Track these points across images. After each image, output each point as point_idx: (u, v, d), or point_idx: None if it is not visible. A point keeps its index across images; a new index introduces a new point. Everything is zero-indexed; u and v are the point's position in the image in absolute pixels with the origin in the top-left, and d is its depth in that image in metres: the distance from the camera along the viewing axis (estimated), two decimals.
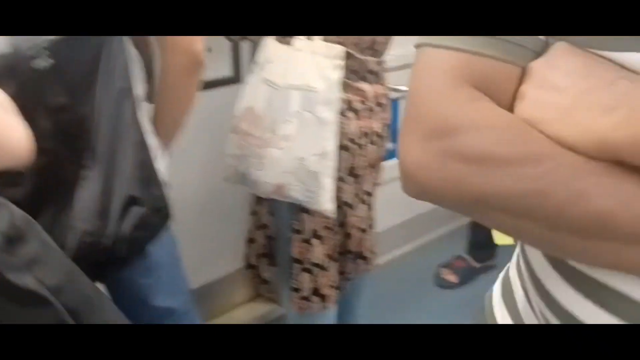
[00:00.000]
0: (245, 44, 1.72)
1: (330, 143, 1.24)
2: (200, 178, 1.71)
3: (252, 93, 1.28)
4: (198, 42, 1.01)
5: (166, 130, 1.07)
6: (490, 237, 2.18)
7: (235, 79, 1.70)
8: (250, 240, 1.54)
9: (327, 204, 1.27)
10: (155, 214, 0.92)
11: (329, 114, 1.23)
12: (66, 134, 0.83)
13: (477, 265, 2.20)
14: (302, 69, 1.22)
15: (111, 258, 0.85)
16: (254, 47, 1.47)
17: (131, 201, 0.87)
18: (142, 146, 0.90)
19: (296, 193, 1.26)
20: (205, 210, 1.75)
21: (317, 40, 1.23)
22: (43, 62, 0.77)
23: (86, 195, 0.84)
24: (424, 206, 2.34)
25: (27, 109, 0.79)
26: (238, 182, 1.37)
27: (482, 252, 2.20)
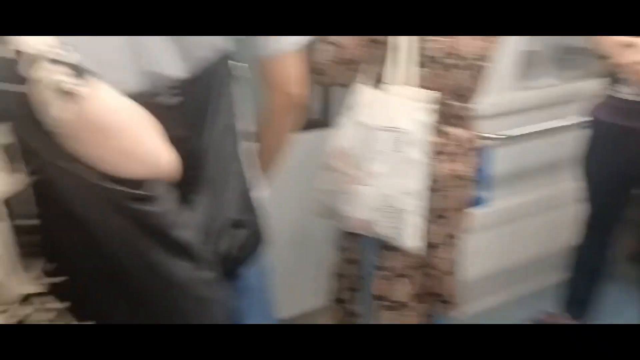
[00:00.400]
0: (335, 90, 1.83)
1: (417, 182, 1.29)
2: (292, 213, 1.80)
3: (343, 133, 1.37)
4: (301, 85, 1.12)
5: (266, 164, 1.18)
6: (588, 294, 2.08)
7: (324, 122, 1.81)
8: (339, 275, 1.59)
9: (411, 241, 1.31)
10: (252, 238, 1.01)
11: (418, 155, 1.29)
12: (182, 164, 0.95)
13: (572, 321, 2.10)
14: (393, 112, 1.30)
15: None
16: (344, 93, 1.57)
17: (233, 224, 0.97)
18: (243, 176, 1.01)
19: (382, 229, 1.32)
20: (297, 244, 1.84)
21: (409, 86, 1.30)
22: (170, 100, 0.91)
23: (195, 217, 0.95)
24: (515, 258, 2.29)
25: None
26: (328, 217, 1.44)
27: (579, 309, 2.10)
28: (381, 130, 1.31)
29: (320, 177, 1.44)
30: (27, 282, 0.71)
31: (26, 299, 0.71)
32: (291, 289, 1.79)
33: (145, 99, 0.90)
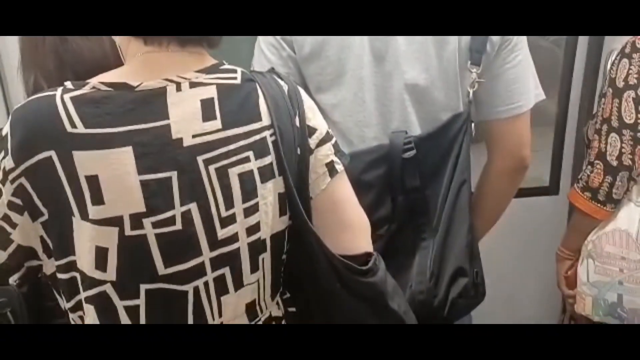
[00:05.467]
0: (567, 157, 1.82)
1: None
2: (506, 274, 1.81)
3: (622, 216, 1.31)
4: (527, 148, 1.18)
5: (481, 222, 1.25)
6: None
7: (552, 189, 1.80)
8: None
9: None
10: (475, 289, 1.09)
11: None
12: (414, 210, 1.08)
13: None
14: None
15: (433, 317, 1.04)
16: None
17: (459, 272, 1.06)
18: (472, 229, 1.10)
19: None
20: (503, 304, 1.83)
21: None
22: (409, 153, 1.06)
23: (423, 261, 1.06)
24: None
25: (391, 188, 1.08)
26: (602, 313, 1.34)
27: None
28: None
29: (583, 267, 1.36)
30: (272, 305, 0.86)
31: (269, 319, 0.85)
32: None
33: (385, 152, 1.07)
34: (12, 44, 0.92)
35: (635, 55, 1.26)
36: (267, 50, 1.09)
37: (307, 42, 1.06)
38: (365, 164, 1.08)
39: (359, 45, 1.06)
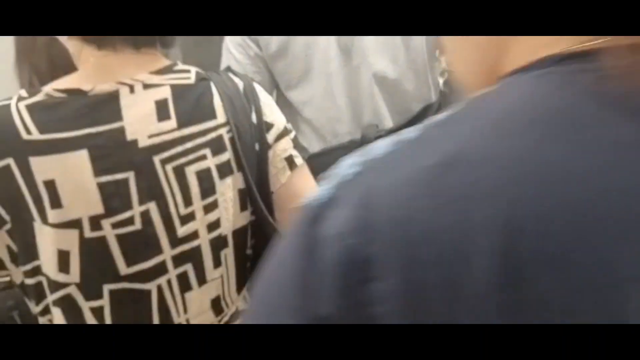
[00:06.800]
0: None
1: None
2: None
3: None
4: None
5: None
6: None
7: None
8: None
9: None
10: None
11: None
12: None
13: None
14: None
15: None
16: None
17: None
18: None
19: None
20: None
21: None
22: None
23: None
24: None
25: None
26: None
27: None
28: None
29: None
30: (239, 300, 0.86)
31: (237, 314, 0.86)
32: None
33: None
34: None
35: None
36: (234, 50, 1.10)
37: (273, 40, 1.07)
38: (338, 160, 1.08)
39: (325, 40, 1.07)
